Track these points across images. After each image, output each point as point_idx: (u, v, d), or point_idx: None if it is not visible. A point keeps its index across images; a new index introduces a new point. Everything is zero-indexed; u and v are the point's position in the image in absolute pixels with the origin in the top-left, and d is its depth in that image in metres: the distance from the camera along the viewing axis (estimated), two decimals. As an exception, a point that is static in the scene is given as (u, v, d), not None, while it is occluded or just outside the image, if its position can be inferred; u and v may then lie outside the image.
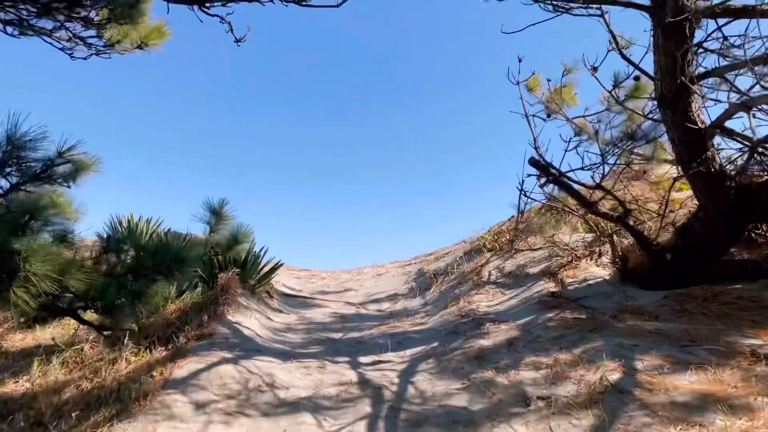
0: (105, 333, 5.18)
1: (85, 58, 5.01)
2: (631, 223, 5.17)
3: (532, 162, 5.11)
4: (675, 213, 5.72)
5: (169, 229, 9.39)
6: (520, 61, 5.94)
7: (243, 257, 6.75)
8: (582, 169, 4.93)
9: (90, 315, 4.84)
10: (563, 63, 6.77)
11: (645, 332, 4.09)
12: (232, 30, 4.71)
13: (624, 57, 4.78)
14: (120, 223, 8.65)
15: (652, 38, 4.26)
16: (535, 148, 5.25)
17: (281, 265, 7.32)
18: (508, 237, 7.21)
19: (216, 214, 6.04)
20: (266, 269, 7.34)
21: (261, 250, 7.42)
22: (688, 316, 4.47)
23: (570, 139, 5.88)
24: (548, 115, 6.23)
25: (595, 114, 6.75)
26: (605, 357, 3.62)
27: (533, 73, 6.08)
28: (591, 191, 5.48)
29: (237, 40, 5.05)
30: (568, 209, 6.17)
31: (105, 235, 4.81)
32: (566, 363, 3.72)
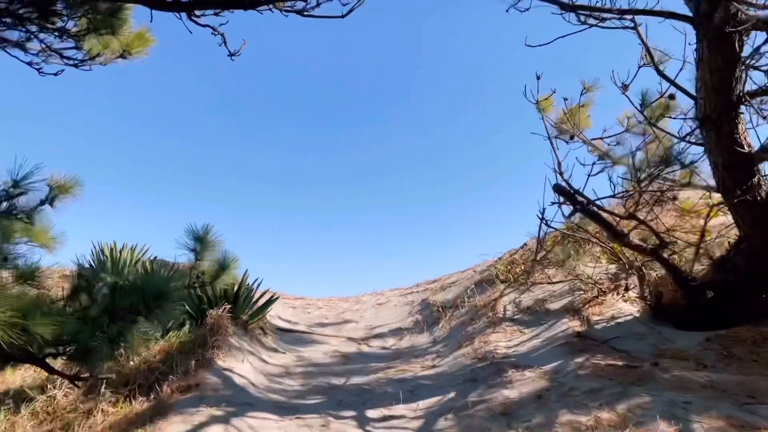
0: (79, 383, 4.65)
1: (56, 74, 4.56)
2: (665, 255, 4.74)
3: (557, 189, 4.70)
4: (708, 243, 5.29)
5: (155, 258, 8.88)
6: (538, 78, 5.57)
7: (234, 290, 6.26)
8: (614, 196, 4.52)
9: (61, 362, 4.36)
10: (582, 81, 6.39)
11: (696, 385, 3.63)
12: (225, 42, 4.29)
13: (660, 74, 4.40)
14: (102, 252, 8.15)
15: (695, 52, 3.88)
16: (560, 174, 4.84)
17: (276, 299, 6.83)
18: (522, 267, 6.76)
19: (201, 240, 5.57)
20: (260, 302, 6.84)
21: (254, 282, 6.93)
22: (738, 364, 4.02)
23: (594, 162, 5.47)
24: (571, 137, 5.84)
25: (613, 136, 6.38)
26: (657, 417, 3.15)
27: (553, 91, 5.69)
28: (617, 219, 5.06)
29: (231, 54, 4.63)
30: (589, 239, 5.74)
31: (76, 272, 4.33)
32: (611, 425, 3.24)
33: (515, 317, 5.77)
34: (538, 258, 6.16)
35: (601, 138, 6.47)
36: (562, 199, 4.82)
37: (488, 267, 8.07)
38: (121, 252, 8.13)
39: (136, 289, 3.86)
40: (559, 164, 4.91)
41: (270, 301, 6.68)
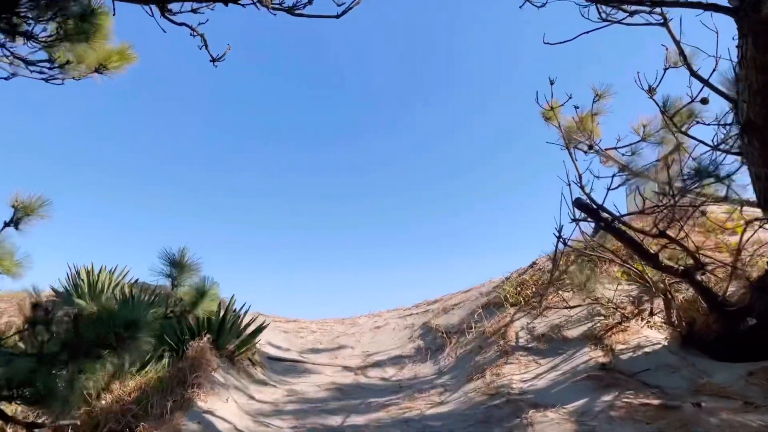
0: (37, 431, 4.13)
1: (7, 78, 4.10)
2: (698, 278, 4.30)
3: (579, 204, 4.26)
4: (741, 262, 4.86)
5: (136, 281, 8.36)
6: (551, 83, 5.17)
7: (219, 318, 5.75)
8: (643, 212, 4.08)
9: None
10: (594, 88, 6.00)
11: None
12: (206, 45, 3.86)
13: (694, 74, 4.00)
14: (78, 275, 7.63)
15: (737, 49, 3.47)
16: (580, 187, 4.42)
17: (265, 326, 6.33)
18: (533, 289, 6.31)
19: (177, 265, 5.10)
20: (249, 330, 6.33)
21: (241, 308, 6.43)
22: (792, 403, 3.57)
23: (613, 175, 5.05)
24: (590, 147, 5.43)
25: (627, 146, 5.99)
26: (716, 477, 2.68)
27: (569, 97, 5.29)
28: (641, 237, 4.62)
29: (213, 60, 4.19)
30: (608, 257, 5.30)
31: (32, 300, 3.83)
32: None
33: (529, 346, 5.30)
34: (553, 279, 5.70)
35: (615, 148, 6.07)
36: (580, 215, 4.38)
37: (495, 288, 7.60)
38: (98, 275, 7.61)
39: (105, 318, 3.39)
40: (580, 177, 4.49)
41: (258, 330, 6.17)
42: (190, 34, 3.68)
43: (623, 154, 6.24)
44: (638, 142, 6.14)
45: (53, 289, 7.78)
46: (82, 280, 7.41)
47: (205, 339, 5.28)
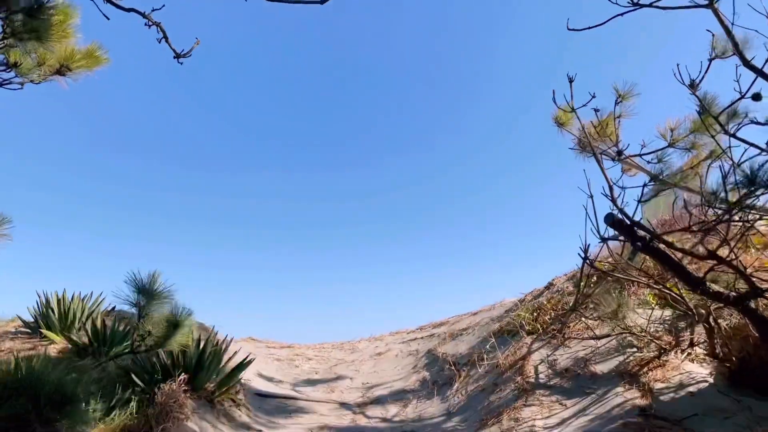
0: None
1: None
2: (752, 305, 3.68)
3: (612, 221, 3.66)
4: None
5: (112, 309, 7.76)
6: (571, 81, 4.59)
7: (197, 353, 5.15)
8: (688, 229, 3.47)
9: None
10: (616, 88, 5.44)
11: None
12: (166, 37, 3.30)
13: (748, 64, 3.42)
14: (48, 304, 7.01)
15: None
16: (612, 201, 3.82)
17: (250, 361, 5.69)
18: (552, 314, 5.68)
19: (146, 292, 4.52)
20: (232, 363, 5.70)
21: (223, 341, 5.81)
22: None
23: (644, 184, 4.47)
24: (619, 154, 4.87)
25: (653, 152, 5.44)
26: None
27: (593, 96, 4.71)
28: (676, 254, 4.01)
29: (177, 56, 3.63)
30: (641, 280, 4.69)
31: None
32: None
33: (551, 383, 4.67)
34: (577, 304, 5.08)
35: (640, 155, 5.51)
36: (609, 233, 3.79)
37: (507, 312, 6.99)
38: (70, 303, 7.01)
39: (29, 387, 2.81)
40: (611, 188, 3.90)
41: (241, 366, 5.54)
42: (145, 24, 3.12)
43: (648, 162, 5.69)
44: (665, 147, 5.58)
45: (21, 320, 7.19)
46: (52, 310, 6.81)
47: (179, 379, 4.67)
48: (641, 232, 3.62)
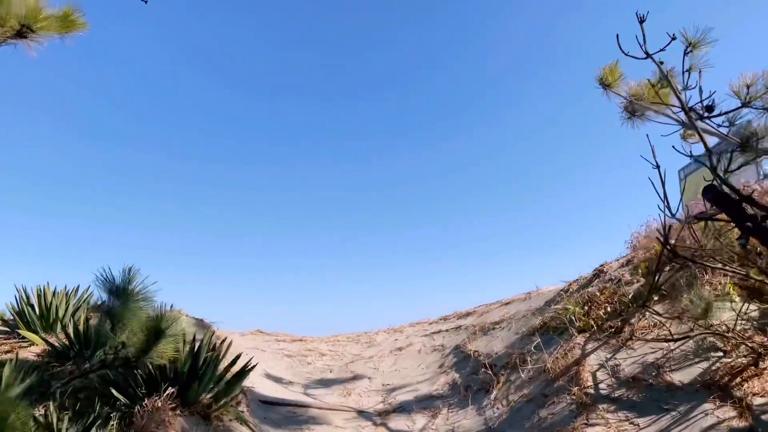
0: None
1: None
2: None
3: (714, 196, 2.86)
4: None
5: (102, 303, 7.10)
6: (641, 21, 3.74)
7: (187, 362, 4.45)
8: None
9: None
10: (684, 34, 4.56)
11: None
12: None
13: None
14: (27, 300, 6.35)
15: None
16: (717, 175, 3.01)
17: (252, 368, 4.94)
18: (608, 309, 4.89)
19: (119, 294, 3.81)
20: (233, 369, 5.00)
21: (222, 343, 5.11)
22: None
23: (732, 150, 3.67)
24: (708, 108, 4.02)
25: (724, 114, 4.58)
26: None
27: (673, 38, 3.85)
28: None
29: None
30: (723, 268, 3.88)
31: None
32: None
33: (616, 395, 3.90)
34: (648, 297, 4.27)
35: (709, 116, 4.67)
36: (714, 210, 2.98)
37: (547, 303, 6.20)
38: (53, 298, 6.37)
39: None
40: (710, 155, 3.08)
41: (243, 374, 4.81)
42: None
43: (719, 125, 4.85)
44: (739, 108, 4.72)
45: (0, 318, 6.57)
46: (32, 306, 6.16)
47: (166, 394, 3.98)
48: (754, 211, 2.80)
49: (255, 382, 6.23)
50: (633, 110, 6.92)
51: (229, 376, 4.83)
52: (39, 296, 6.29)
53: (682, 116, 4.64)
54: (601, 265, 6.06)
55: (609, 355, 4.39)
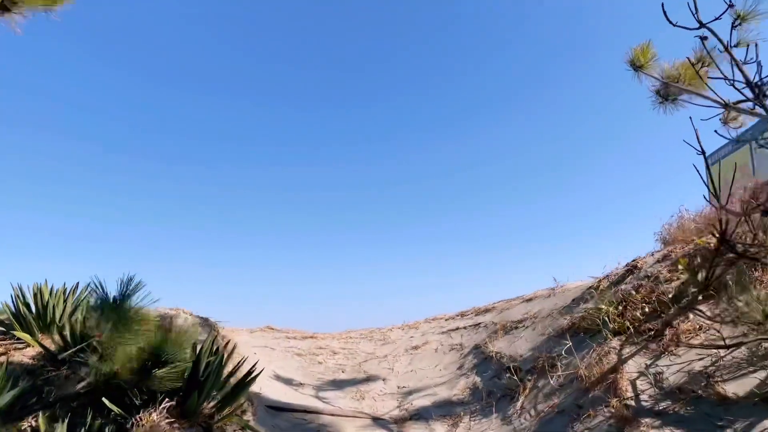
0: None
1: None
2: None
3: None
4: None
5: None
6: (694, -14, 3.33)
7: (189, 368, 4.14)
8: None
9: None
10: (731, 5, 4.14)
11: None
12: None
13: None
14: (23, 299, 6.07)
15: None
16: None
17: (256, 375, 4.60)
18: (645, 309, 4.50)
19: (116, 310, 3.51)
20: (239, 372, 4.68)
21: (225, 347, 4.79)
22: None
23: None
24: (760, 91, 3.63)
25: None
26: None
27: (730, 5, 3.44)
28: None
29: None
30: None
31: None
32: None
33: (660, 407, 3.52)
34: (695, 299, 3.87)
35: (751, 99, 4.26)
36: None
37: (575, 301, 5.81)
38: (49, 297, 6.09)
39: None
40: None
41: (247, 383, 4.47)
42: None
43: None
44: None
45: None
46: (28, 306, 5.88)
47: (163, 406, 3.67)
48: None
49: (263, 385, 5.93)
50: (666, 94, 6.47)
51: (233, 381, 4.51)
52: (36, 295, 6.02)
53: (729, 96, 4.24)
54: (634, 261, 5.64)
55: (649, 362, 4.00)
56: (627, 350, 4.24)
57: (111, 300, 3.52)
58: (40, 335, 5.60)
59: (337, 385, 6.69)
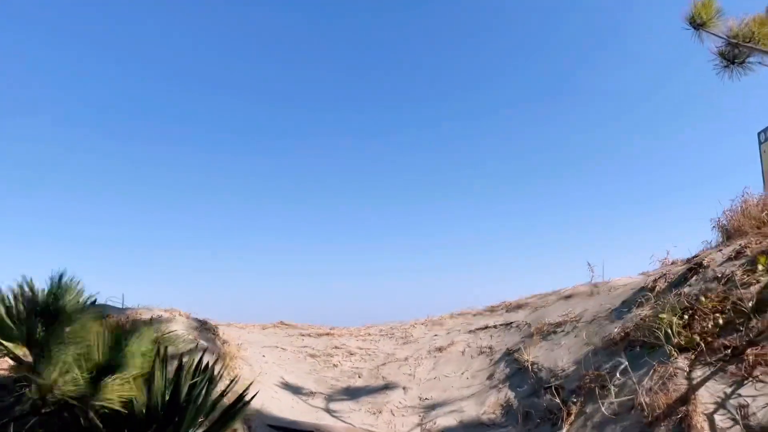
0: None
1: None
2: None
3: None
4: None
5: (93, 302, 6.31)
6: None
7: (168, 391, 3.55)
8: None
9: None
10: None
11: None
12: None
13: None
14: (18, 295, 5.58)
15: None
16: None
17: (251, 399, 3.97)
18: (719, 320, 3.74)
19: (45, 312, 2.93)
20: (232, 393, 4.08)
21: (217, 362, 4.17)
22: None
23: None
24: None
25: None
26: None
27: None
28: None
29: None
30: None
31: None
32: None
33: (750, 455, 2.80)
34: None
35: None
36: None
37: (624, 304, 5.07)
38: (30, 295, 5.58)
39: None
40: None
41: (237, 409, 3.84)
42: None
43: None
44: None
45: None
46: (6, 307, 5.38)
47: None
48: None
49: (266, 397, 5.36)
50: (733, 56, 5.70)
51: (227, 401, 3.91)
52: (15, 296, 5.53)
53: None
54: (697, 256, 4.86)
55: (729, 389, 3.26)
56: (698, 373, 3.50)
57: (41, 302, 2.96)
58: (17, 343, 5.11)
59: (352, 394, 6.09)
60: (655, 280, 4.98)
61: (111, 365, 3.01)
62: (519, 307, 7.55)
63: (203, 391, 3.83)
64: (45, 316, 3.02)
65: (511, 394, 4.90)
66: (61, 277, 3.12)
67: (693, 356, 3.67)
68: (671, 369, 3.62)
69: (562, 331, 5.47)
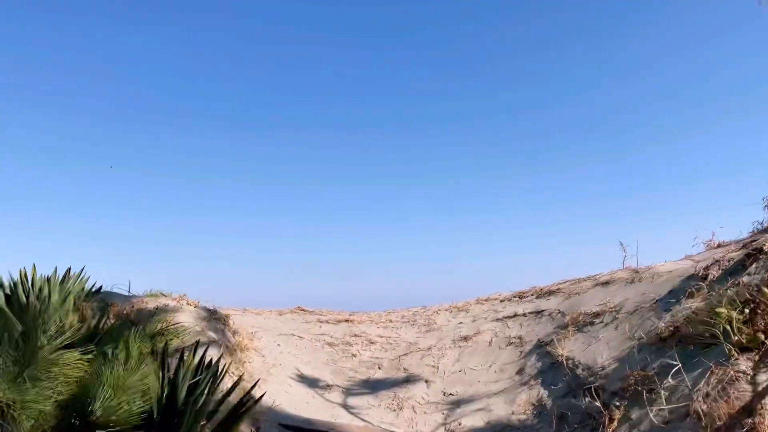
0: None
1: None
2: None
3: None
4: None
5: (96, 291, 6.09)
6: None
7: (165, 393, 3.26)
8: None
9: None
10: None
11: None
12: None
13: None
14: (15, 286, 5.37)
15: None
16: None
17: (252, 405, 3.65)
18: (788, 316, 3.31)
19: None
20: (240, 389, 3.79)
21: (220, 359, 3.87)
22: None
23: None
24: None
25: None
26: None
27: None
28: None
29: None
30: None
31: None
32: None
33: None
34: None
35: None
36: None
37: (671, 292, 4.62)
38: (31, 286, 5.37)
39: None
40: None
41: (241, 412, 3.54)
42: None
43: None
44: None
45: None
46: (7, 296, 5.17)
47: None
48: None
49: (280, 391, 5.09)
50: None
51: (234, 399, 3.62)
52: (16, 284, 5.31)
53: None
54: (755, 240, 4.36)
55: (803, 398, 2.84)
56: (763, 377, 3.08)
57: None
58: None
59: (371, 387, 5.79)
60: (706, 267, 4.51)
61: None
62: (550, 293, 7.12)
63: (205, 391, 3.55)
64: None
65: (544, 393, 4.52)
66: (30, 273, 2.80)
67: (757, 357, 3.23)
68: (732, 372, 3.20)
69: (601, 322, 5.04)
